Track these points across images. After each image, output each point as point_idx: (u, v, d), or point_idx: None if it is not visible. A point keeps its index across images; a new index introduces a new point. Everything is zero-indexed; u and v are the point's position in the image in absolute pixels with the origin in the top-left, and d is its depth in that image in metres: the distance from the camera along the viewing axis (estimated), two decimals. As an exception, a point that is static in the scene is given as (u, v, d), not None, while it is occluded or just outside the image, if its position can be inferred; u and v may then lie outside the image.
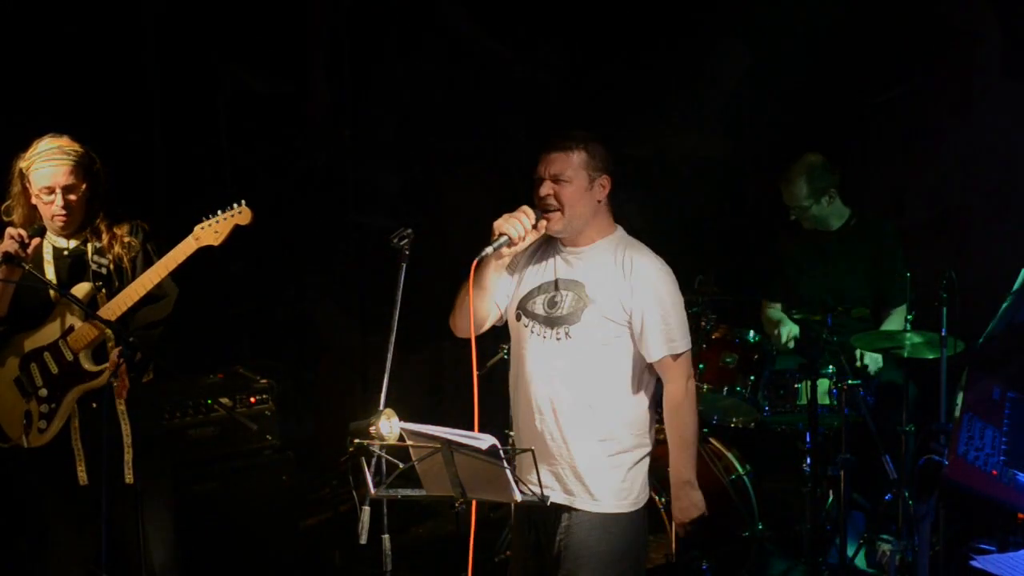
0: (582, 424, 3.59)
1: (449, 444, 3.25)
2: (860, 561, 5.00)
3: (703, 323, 5.10)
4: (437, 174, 6.50)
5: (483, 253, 3.55)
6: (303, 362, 6.29)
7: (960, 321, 4.38)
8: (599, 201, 3.60)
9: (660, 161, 6.04)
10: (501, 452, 3.19)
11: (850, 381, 4.86)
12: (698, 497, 3.68)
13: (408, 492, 3.39)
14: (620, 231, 3.68)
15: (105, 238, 4.13)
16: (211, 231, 3.98)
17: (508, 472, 3.21)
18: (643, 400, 3.65)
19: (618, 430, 3.60)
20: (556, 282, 3.64)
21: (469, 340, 3.60)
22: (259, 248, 4.82)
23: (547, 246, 3.71)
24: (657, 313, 3.56)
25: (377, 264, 6.18)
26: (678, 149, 6.00)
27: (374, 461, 3.31)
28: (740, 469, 4.96)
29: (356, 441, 3.29)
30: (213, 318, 5.63)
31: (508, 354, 5.12)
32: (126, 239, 4.15)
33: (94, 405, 4.06)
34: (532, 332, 3.65)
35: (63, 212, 4.04)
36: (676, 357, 3.61)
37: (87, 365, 4.08)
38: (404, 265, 3.58)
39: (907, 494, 4.73)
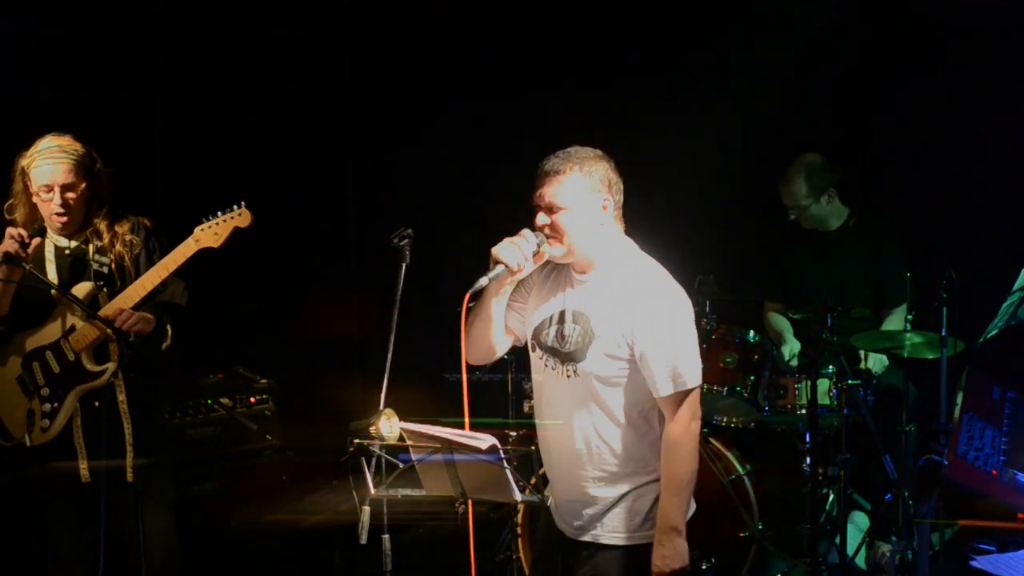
0: (596, 462, 3.44)
1: (449, 444, 3.25)
2: (860, 561, 5.01)
3: (703, 323, 5.10)
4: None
5: (477, 285, 3.37)
6: (303, 362, 6.28)
7: (960, 321, 4.37)
8: (602, 224, 3.36)
9: (660, 161, 6.03)
10: (501, 452, 3.19)
11: (850, 381, 4.86)
12: (683, 547, 3.37)
13: (408, 492, 3.39)
14: (627, 252, 3.44)
15: (106, 237, 4.13)
16: (211, 233, 3.99)
17: (508, 472, 3.21)
18: (655, 432, 3.44)
19: (634, 466, 3.43)
20: (564, 313, 3.44)
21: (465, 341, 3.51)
22: (259, 248, 4.80)
23: (560, 267, 3.51)
24: (659, 350, 3.32)
25: (377, 264, 6.18)
26: (678, 148, 6.00)
27: (374, 461, 3.31)
28: (740, 469, 4.96)
29: (356, 441, 3.29)
30: (213, 318, 5.62)
31: (508, 354, 5.16)
32: (127, 237, 4.15)
33: (96, 404, 4.07)
34: (546, 365, 3.49)
35: (61, 211, 4.04)
36: (680, 395, 3.34)
37: (88, 365, 4.08)
38: (404, 265, 3.58)
39: (907, 494, 4.73)
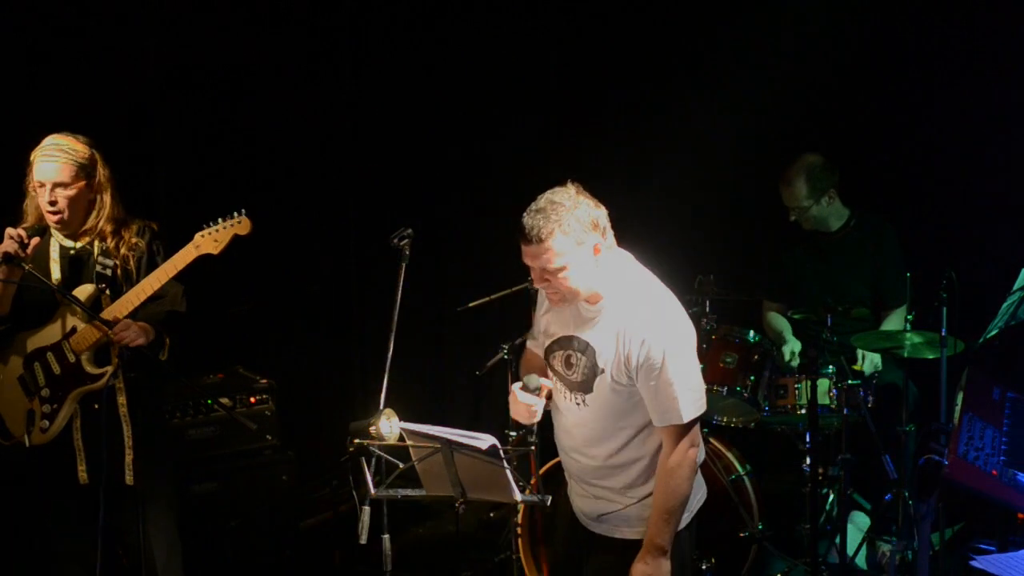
0: (608, 477, 3.51)
1: (449, 444, 3.25)
2: (860, 561, 5.01)
3: (703, 323, 5.10)
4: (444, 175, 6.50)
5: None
6: (303, 362, 6.28)
7: (960, 321, 4.37)
8: (598, 265, 3.33)
9: (660, 161, 6.03)
10: (501, 452, 3.19)
11: (850, 381, 4.86)
12: (666, 567, 3.38)
13: (408, 492, 3.40)
14: (630, 282, 3.42)
15: (112, 240, 4.13)
16: (211, 239, 4.00)
17: (508, 472, 3.21)
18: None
19: (647, 475, 3.48)
20: (572, 339, 3.45)
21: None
22: (260, 248, 4.80)
23: None
24: (655, 384, 3.33)
25: (378, 264, 6.19)
26: (678, 148, 6.00)
27: (374, 461, 3.31)
28: (740, 469, 4.96)
29: (356, 441, 3.29)
30: (213, 318, 5.62)
31: (508, 354, 5.17)
32: (133, 240, 4.16)
33: (96, 406, 4.07)
34: (556, 386, 3.55)
35: (51, 208, 4.05)
36: (676, 427, 3.36)
37: (89, 367, 4.08)
38: (404, 265, 3.58)
39: (907, 494, 4.73)
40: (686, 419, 3.35)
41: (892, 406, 4.94)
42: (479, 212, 6.42)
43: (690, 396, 3.36)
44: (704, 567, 4.78)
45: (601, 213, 3.34)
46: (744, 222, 6.02)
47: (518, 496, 3.25)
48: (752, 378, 5.06)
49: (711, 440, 5.01)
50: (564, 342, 3.48)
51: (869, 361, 5.09)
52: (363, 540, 3.36)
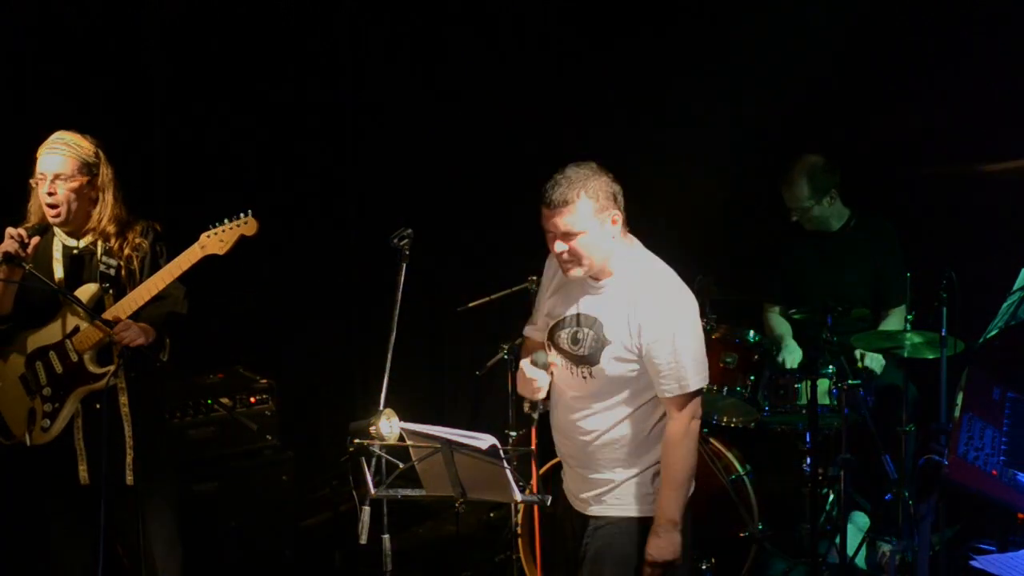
0: (606, 453, 3.57)
1: (449, 444, 3.25)
2: (860, 561, 5.01)
3: (703, 323, 5.09)
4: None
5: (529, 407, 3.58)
6: (303, 362, 6.28)
7: (960, 321, 4.37)
8: (613, 237, 3.48)
9: (660, 161, 6.03)
10: (501, 452, 3.19)
11: (850, 381, 4.86)
12: (678, 540, 3.49)
13: (408, 492, 3.40)
14: (638, 258, 3.57)
15: (115, 240, 4.13)
16: (216, 240, 4.00)
17: (508, 472, 3.21)
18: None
19: (643, 454, 3.56)
20: (579, 317, 3.56)
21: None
22: (260, 247, 4.80)
23: None
24: (662, 353, 3.45)
25: (377, 263, 6.18)
26: (678, 148, 5.99)
27: (374, 461, 3.31)
28: (740, 469, 4.97)
29: (356, 441, 3.29)
30: (213, 318, 5.63)
31: (508, 354, 5.17)
32: (136, 240, 4.15)
33: (98, 406, 4.06)
34: (560, 364, 3.62)
35: (48, 200, 4.04)
36: (682, 397, 3.48)
37: (91, 367, 4.08)
38: (404, 265, 3.58)
39: (907, 494, 4.73)
40: (692, 388, 3.47)
41: (892, 406, 4.94)
42: (479, 212, 6.43)
43: (695, 367, 3.48)
44: (704, 567, 4.78)
45: (619, 189, 3.49)
46: (744, 222, 6.02)
47: (518, 496, 3.26)
48: (752, 378, 5.06)
49: (711, 440, 5.02)
50: (570, 320, 3.58)
51: (872, 359, 5.09)
52: (363, 540, 3.36)
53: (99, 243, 4.14)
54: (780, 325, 5.42)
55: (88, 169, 4.07)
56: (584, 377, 3.55)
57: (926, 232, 5.48)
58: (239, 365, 5.43)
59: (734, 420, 5.19)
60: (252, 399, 5.14)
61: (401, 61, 6.52)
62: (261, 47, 6.09)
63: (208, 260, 4.03)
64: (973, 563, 3.42)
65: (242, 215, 4.01)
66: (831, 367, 4.94)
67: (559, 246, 3.45)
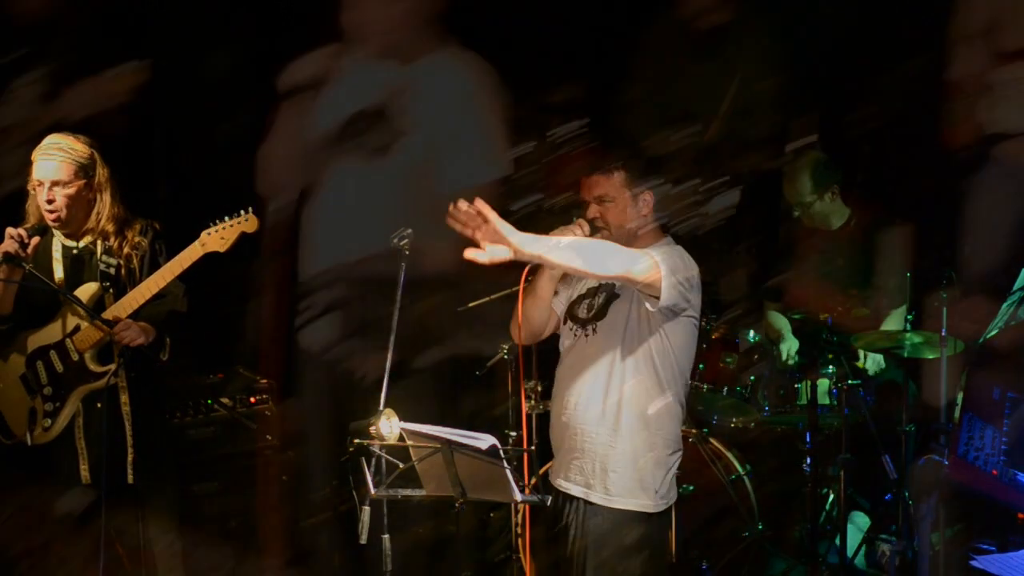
0: (605, 419, 3.57)
1: (449, 444, 3.25)
2: (860, 561, 5.00)
3: (703, 323, 5.09)
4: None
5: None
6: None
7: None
8: (645, 215, 3.61)
9: (659, 159, 6.01)
10: (501, 452, 3.19)
11: (850, 381, 4.86)
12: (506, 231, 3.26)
13: (408, 492, 3.40)
14: (667, 244, 3.65)
15: (115, 239, 4.14)
16: (217, 237, 4.00)
17: (508, 472, 3.21)
18: (667, 398, 3.59)
19: (640, 426, 3.57)
20: (600, 286, 3.68)
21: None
22: (259, 247, 4.81)
23: None
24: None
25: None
26: (678, 148, 5.98)
27: (374, 461, 3.31)
28: (740, 469, 4.96)
29: (356, 441, 3.29)
30: (213, 317, 5.63)
31: (508, 354, 5.17)
32: (136, 239, 4.16)
33: (99, 405, 4.07)
34: (574, 333, 3.69)
35: (48, 207, 4.05)
36: (654, 272, 3.44)
37: (92, 366, 4.09)
38: (404, 265, 3.58)
39: (907, 494, 4.73)
40: (663, 268, 3.41)
41: (892, 406, 4.94)
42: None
43: (674, 265, 3.47)
44: (704, 567, 4.78)
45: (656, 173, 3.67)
46: (744, 222, 6.02)
47: (518, 496, 3.25)
48: (752, 378, 5.06)
49: (711, 440, 5.01)
50: (591, 292, 3.69)
51: (871, 360, 5.10)
52: (363, 540, 3.36)
53: (98, 242, 4.14)
54: (779, 321, 5.42)
55: (84, 172, 4.08)
56: (588, 335, 3.61)
57: (926, 232, 5.47)
58: (239, 365, 5.43)
59: (734, 420, 5.19)
60: (252, 399, 5.14)
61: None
62: (264, 44, 6.09)
63: (210, 260, 4.03)
64: (973, 563, 3.43)
65: (242, 212, 4.02)
66: (831, 367, 4.94)
67: (592, 210, 3.60)
